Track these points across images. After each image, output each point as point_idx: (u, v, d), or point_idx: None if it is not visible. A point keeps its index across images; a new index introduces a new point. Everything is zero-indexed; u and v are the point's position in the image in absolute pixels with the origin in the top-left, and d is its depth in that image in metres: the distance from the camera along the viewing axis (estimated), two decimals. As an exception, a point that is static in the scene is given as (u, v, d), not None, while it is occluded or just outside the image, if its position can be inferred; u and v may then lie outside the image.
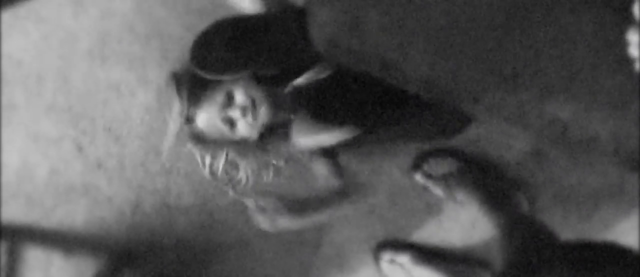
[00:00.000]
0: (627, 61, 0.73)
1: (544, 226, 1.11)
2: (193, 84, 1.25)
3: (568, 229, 1.56)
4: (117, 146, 1.62)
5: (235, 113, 1.25)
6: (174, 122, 1.27)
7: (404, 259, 1.61)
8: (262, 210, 1.27)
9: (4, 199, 1.62)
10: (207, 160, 1.37)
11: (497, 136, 1.54)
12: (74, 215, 1.65)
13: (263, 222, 1.28)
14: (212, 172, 1.39)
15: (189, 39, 1.38)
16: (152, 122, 1.61)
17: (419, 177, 1.57)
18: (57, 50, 1.61)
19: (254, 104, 1.25)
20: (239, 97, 1.25)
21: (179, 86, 1.26)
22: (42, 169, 1.64)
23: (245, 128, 1.26)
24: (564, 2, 0.76)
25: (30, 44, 1.61)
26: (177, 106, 1.25)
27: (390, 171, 1.62)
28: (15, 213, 1.64)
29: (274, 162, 1.38)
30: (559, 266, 0.80)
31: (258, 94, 1.26)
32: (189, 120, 1.27)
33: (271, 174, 1.40)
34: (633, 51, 0.71)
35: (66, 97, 1.61)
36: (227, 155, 1.34)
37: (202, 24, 1.45)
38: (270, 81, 1.31)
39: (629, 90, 0.74)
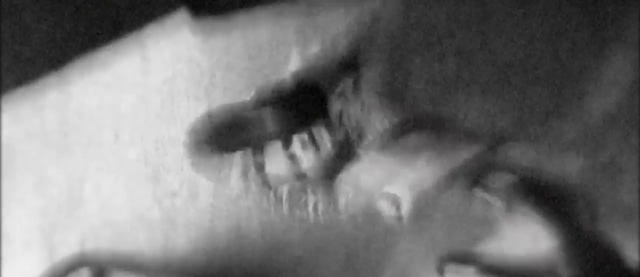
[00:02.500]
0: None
1: (611, 247, 1.13)
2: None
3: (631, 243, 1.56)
4: (188, 177, 1.73)
5: (296, 148, 1.31)
6: (238, 167, 1.36)
7: (469, 272, 1.64)
8: None
9: (91, 235, 1.76)
10: (274, 190, 1.45)
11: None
12: (154, 243, 1.77)
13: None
14: (278, 199, 1.48)
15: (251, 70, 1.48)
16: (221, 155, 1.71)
17: (478, 191, 1.60)
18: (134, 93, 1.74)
19: (312, 138, 1.31)
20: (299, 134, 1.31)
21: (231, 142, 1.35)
22: (122, 202, 1.76)
23: (309, 161, 1.33)
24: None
25: (107, 97, 1.75)
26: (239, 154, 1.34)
27: (451, 183, 1.65)
28: (101, 244, 1.77)
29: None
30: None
31: (316, 127, 1.32)
32: (259, 168, 1.35)
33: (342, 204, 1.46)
34: None
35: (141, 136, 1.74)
36: (291, 191, 1.42)
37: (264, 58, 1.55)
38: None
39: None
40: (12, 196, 1.79)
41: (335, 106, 1.35)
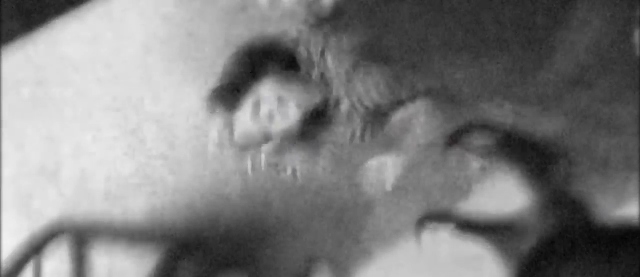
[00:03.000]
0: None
1: (582, 205, 1.14)
2: (225, 97, 1.32)
3: (606, 196, 1.57)
4: (168, 139, 1.72)
5: (264, 117, 1.30)
6: (215, 132, 1.35)
7: (447, 228, 1.66)
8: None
9: (71, 197, 1.76)
10: (249, 160, 1.45)
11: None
12: (136, 206, 1.77)
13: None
14: (255, 163, 1.48)
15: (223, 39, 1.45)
16: (200, 114, 1.69)
17: (456, 150, 1.60)
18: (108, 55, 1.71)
19: (282, 101, 1.30)
20: (265, 100, 1.30)
21: (215, 100, 1.34)
22: (103, 166, 1.75)
23: (279, 124, 1.32)
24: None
25: (84, 45, 1.71)
26: (216, 119, 1.33)
27: (432, 145, 1.65)
28: (81, 208, 1.77)
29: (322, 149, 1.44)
30: (590, 251, 0.83)
31: (286, 91, 1.30)
32: (230, 128, 1.34)
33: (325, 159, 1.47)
34: None
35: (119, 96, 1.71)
36: (267, 154, 1.42)
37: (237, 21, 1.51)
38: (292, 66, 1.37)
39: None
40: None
41: (314, 69, 1.34)
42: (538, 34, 0.83)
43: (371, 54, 1.07)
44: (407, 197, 1.71)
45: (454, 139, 1.59)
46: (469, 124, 1.57)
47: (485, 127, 1.56)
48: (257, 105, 1.30)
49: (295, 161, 1.48)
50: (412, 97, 1.29)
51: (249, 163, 1.54)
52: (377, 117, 1.35)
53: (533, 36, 0.82)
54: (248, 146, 1.39)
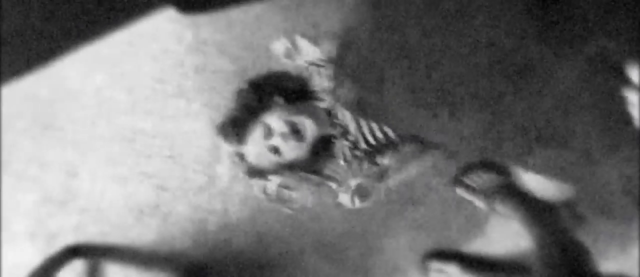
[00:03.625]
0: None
1: (583, 250, 1.14)
2: (236, 125, 1.36)
3: (612, 240, 1.56)
4: (179, 170, 1.76)
5: (277, 141, 1.34)
6: (226, 161, 1.40)
7: (452, 268, 1.66)
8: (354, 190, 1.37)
9: (84, 224, 1.81)
10: (261, 185, 1.48)
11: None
12: (146, 234, 1.82)
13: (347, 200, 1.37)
14: (267, 194, 1.51)
15: (234, 70, 1.49)
16: (209, 147, 1.73)
17: (460, 190, 1.61)
18: (122, 88, 1.76)
19: (294, 128, 1.34)
20: (277, 126, 1.34)
21: (223, 132, 1.38)
22: (115, 194, 1.80)
23: (291, 152, 1.36)
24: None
25: (97, 84, 1.77)
26: (225, 147, 1.37)
27: (438, 185, 1.66)
28: (95, 235, 1.82)
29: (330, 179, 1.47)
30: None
31: (296, 117, 1.34)
32: (242, 158, 1.38)
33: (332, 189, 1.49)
34: (633, 110, 0.74)
35: (131, 128, 1.77)
36: (280, 180, 1.45)
37: (248, 57, 1.55)
38: (301, 98, 1.40)
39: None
40: (12, 184, 1.85)
41: (324, 102, 1.38)
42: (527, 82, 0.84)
43: (370, 101, 1.10)
44: (411, 236, 1.72)
45: (459, 178, 1.60)
46: (474, 164, 1.58)
47: (489, 167, 1.57)
48: (268, 133, 1.34)
49: (303, 193, 1.51)
50: (409, 142, 1.32)
51: (259, 192, 1.58)
52: (374, 155, 1.38)
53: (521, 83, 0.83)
54: (258, 175, 1.42)
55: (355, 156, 1.42)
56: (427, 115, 0.83)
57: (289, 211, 1.58)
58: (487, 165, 1.56)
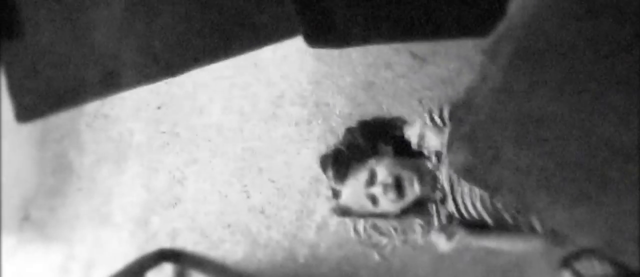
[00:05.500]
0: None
1: None
2: (340, 162, 1.35)
3: None
4: (278, 196, 1.78)
5: (377, 190, 1.30)
6: (323, 194, 1.39)
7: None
8: (443, 228, 1.30)
9: (181, 231, 1.87)
10: (352, 222, 1.46)
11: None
12: (235, 252, 1.84)
13: (442, 242, 1.31)
14: (356, 232, 1.49)
15: (349, 109, 1.49)
16: (311, 179, 1.74)
17: (567, 274, 1.50)
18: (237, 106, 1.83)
19: (398, 182, 1.29)
20: (381, 175, 1.30)
21: (325, 165, 1.37)
22: (214, 208, 1.85)
23: (387, 204, 1.31)
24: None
25: (217, 99, 1.84)
26: (326, 182, 1.37)
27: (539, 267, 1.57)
28: (188, 243, 1.87)
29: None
30: None
31: (404, 171, 1.30)
32: (335, 195, 1.36)
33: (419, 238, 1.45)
34: None
35: (241, 147, 1.82)
36: (369, 220, 1.42)
37: (364, 97, 1.56)
38: (416, 155, 1.36)
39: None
40: (122, 182, 1.95)
41: (430, 162, 1.34)
42: None
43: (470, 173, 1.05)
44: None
45: (569, 261, 1.50)
46: (589, 250, 1.47)
47: (604, 257, 1.46)
48: (371, 180, 1.31)
49: (392, 239, 1.47)
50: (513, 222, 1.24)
51: (351, 230, 1.56)
52: (470, 227, 1.31)
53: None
54: (350, 214, 1.40)
55: (449, 221, 1.36)
56: (547, 200, 0.78)
57: (377, 257, 1.54)
58: (602, 255, 1.45)
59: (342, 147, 1.43)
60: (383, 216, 1.38)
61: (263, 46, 1.77)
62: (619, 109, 0.75)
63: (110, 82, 1.99)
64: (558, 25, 0.75)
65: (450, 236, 1.29)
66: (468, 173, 0.83)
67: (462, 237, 1.29)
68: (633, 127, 0.73)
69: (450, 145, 0.91)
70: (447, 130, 1.30)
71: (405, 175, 1.29)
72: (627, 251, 0.79)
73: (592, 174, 0.76)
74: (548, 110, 0.76)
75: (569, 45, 0.76)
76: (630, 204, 0.74)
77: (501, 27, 0.81)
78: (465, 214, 1.30)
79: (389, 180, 1.28)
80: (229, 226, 1.83)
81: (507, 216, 1.24)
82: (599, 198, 0.75)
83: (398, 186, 1.29)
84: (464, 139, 0.82)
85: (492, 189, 0.86)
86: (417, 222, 1.53)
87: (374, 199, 1.31)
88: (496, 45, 0.80)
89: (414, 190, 1.30)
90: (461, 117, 0.84)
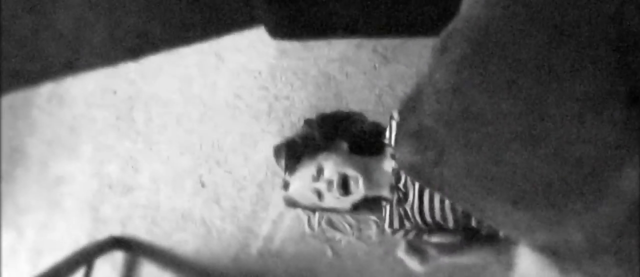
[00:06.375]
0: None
1: None
2: (291, 154, 1.33)
3: None
4: (235, 188, 1.76)
5: (322, 186, 1.28)
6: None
7: None
8: (413, 250, 1.26)
9: (133, 219, 1.83)
10: (305, 217, 1.44)
11: None
12: (188, 242, 1.82)
13: (413, 263, 1.27)
14: (311, 226, 1.47)
15: (309, 103, 1.48)
16: (269, 172, 1.73)
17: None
18: (197, 95, 1.80)
19: (344, 180, 1.27)
20: (328, 171, 1.28)
21: (278, 155, 1.35)
22: (168, 197, 1.82)
23: (332, 200, 1.29)
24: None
25: (176, 87, 1.81)
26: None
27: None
28: (140, 231, 1.84)
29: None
30: None
31: (350, 170, 1.28)
32: (285, 186, 1.34)
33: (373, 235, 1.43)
34: None
35: (199, 137, 1.79)
36: (325, 215, 1.40)
37: (325, 91, 1.55)
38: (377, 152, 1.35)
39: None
40: (74, 167, 1.90)
41: (386, 166, 1.32)
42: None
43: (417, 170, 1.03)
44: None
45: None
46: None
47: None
48: (317, 176, 1.29)
49: (346, 235, 1.47)
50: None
51: (306, 224, 1.55)
52: (427, 230, 1.30)
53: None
54: (297, 206, 1.38)
55: (401, 225, 1.34)
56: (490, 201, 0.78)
57: (330, 253, 1.53)
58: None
59: (297, 139, 1.41)
60: (335, 210, 1.37)
61: (224, 34, 1.74)
62: (564, 112, 0.75)
63: (70, 62, 1.94)
64: (505, 25, 0.75)
65: (423, 261, 1.26)
66: (413, 170, 0.82)
67: (434, 259, 1.26)
68: (578, 130, 0.73)
69: (397, 141, 0.90)
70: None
71: (351, 174, 1.27)
72: (567, 257, 0.79)
73: (535, 180, 0.75)
74: (493, 110, 0.76)
75: (516, 47, 0.76)
76: (571, 209, 0.74)
77: (451, 24, 0.81)
78: (428, 218, 1.28)
79: (335, 177, 1.26)
80: (182, 216, 1.80)
81: (473, 222, 1.23)
82: (541, 205, 0.75)
83: (345, 186, 1.27)
84: (410, 136, 0.81)
85: (436, 188, 0.85)
86: (372, 219, 1.53)
87: (319, 194, 1.29)
88: (445, 43, 0.79)
89: (359, 190, 1.28)
90: (408, 113, 0.83)
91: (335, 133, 1.40)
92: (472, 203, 0.80)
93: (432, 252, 1.23)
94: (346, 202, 1.29)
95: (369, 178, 1.27)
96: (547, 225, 0.74)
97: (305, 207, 1.37)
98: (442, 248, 1.25)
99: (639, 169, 0.69)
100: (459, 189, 0.78)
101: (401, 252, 1.22)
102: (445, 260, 1.28)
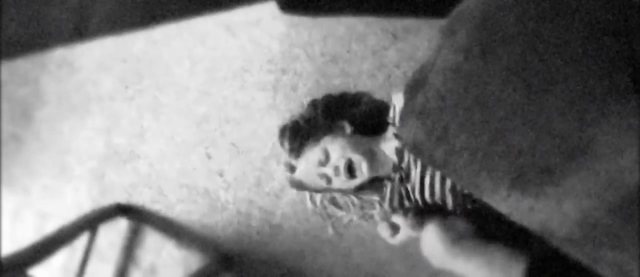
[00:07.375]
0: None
1: None
2: (295, 138, 1.33)
3: None
4: (239, 160, 1.77)
5: (329, 171, 1.28)
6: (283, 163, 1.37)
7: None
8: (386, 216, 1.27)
9: (138, 187, 1.86)
10: (308, 194, 1.45)
11: None
12: (191, 212, 1.84)
13: (386, 234, 1.28)
14: (313, 202, 1.48)
15: (316, 79, 1.48)
16: (273, 146, 1.74)
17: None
18: (206, 67, 1.80)
19: (350, 164, 1.27)
20: (334, 156, 1.28)
21: (282, 138, 1.35)
22: (174, 167, 1.83)
23: (339, 183, 1.30)
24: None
25: (185, 57, 1.81)
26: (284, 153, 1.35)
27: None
28: (145, 200, 1.86)
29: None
30: None
31: (355, 155, 1.28)
32: (291, 169, 1.34)
33: (376, 215, 1.44)
34: None
35: (206, 108, 1.80)
36: (328, 194, 1.41)
37: (333, 68, 1.54)
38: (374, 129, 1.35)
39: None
40: (81, 133, 1.92)
41: (389, 146, 1.32)
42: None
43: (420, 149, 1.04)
44: None
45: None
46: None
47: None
48: (323, 162, 1.29)
49: (349, 214, 1.47)
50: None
51: (308, 200, 1.56)
52: (427, 210, 1.30)
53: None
54: (301, 188, 1.39)
55: (401, 204, 1.34)
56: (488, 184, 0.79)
57: (331, 231, 1.55)
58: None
59: (301, 121, 1.41)
60: (341, 191, 1.37)
61: (235, 7, 1.74)
62: (566, 100, 0.75)
63: (80, 29, 1.94)
64: (513, 10, 0.75)
65: (394, 230, 1.26)
66: (416, 149, 0.83)
67: (408, 231, 1.26)
68: (578, 118, 0.74)
69: (402, 119, 0.90)
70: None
71: (355, 158, 1.27)
72: (563, 238, 0.80)
73: (534, 162, 0.76)
74: (497, 95, 0.76)
75: (522, 32, 0.76)
76: (569, 190, 0.75)
77: (460, 6, 0.80)
78: (428, 197, 1.28)
79: (341, 162, 1.26)
80: (187, 186, 1.82)
81: (468, 203, 1.24)
82: (540, 186, 0.76)
83: (351, 170, 1.27)
84: (415, 115, 0.82)
85: (438, 166, 0.86)
86: (375, 199, 1.54)
87: (327, 179, 1.30)
88: (452, 25, 0.79)
89: (363, 174, 1.29)
90: (414, 92, 0.83)
91: (341, 116, 1.40)
92: (473, 182, 0.80)
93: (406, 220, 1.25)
94: (352, 184, 1.30)
95: (373, 161, 1.28)
96: (545, 206, 0.75)
97: (313, 191, 1.38)
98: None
99: (638, 152, 0.69)
100: (460, 167, 0.79)
101: (379, 227, 1.24)
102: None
